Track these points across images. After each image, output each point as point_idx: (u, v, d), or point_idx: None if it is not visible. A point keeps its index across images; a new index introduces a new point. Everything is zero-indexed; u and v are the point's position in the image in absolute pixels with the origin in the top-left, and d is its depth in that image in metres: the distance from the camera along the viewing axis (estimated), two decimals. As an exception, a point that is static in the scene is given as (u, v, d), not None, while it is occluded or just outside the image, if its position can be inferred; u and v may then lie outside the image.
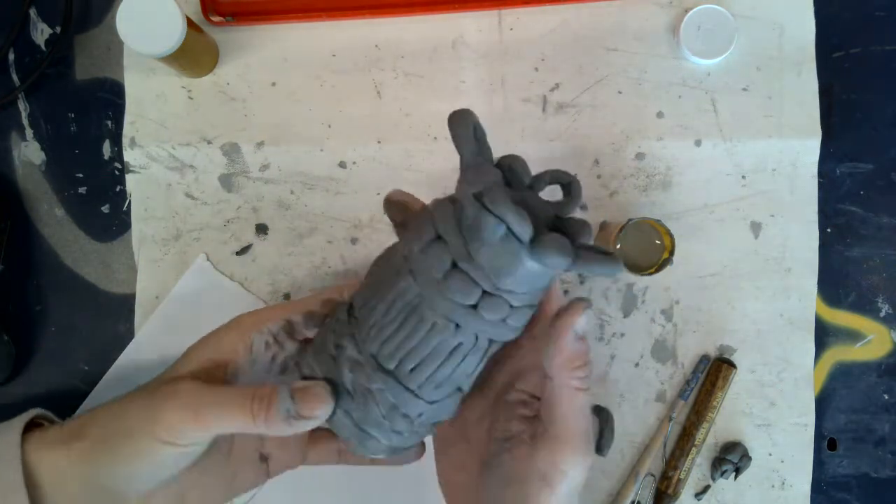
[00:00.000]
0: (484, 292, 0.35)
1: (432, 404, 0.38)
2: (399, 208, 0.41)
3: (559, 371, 0.38)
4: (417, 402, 0.37)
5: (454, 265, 0.35)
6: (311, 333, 0.43)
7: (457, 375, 0.37)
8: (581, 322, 0.38)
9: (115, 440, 0.40)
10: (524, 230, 0.34)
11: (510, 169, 0.38)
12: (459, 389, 0.39)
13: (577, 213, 0.54)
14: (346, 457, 0.48)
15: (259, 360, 0.43)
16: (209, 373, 0.41)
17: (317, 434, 0.48)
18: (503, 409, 0.41)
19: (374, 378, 0.37)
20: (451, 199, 0.37)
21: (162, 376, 0.43)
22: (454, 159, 0.54)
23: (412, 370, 0.37)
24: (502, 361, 0.43)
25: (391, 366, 0.37)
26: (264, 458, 0.47)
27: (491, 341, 0.37)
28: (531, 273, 0.35)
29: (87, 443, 0.41)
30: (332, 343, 0.39)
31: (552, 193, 0.39)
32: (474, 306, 0.35)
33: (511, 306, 0.36)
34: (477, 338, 0.36)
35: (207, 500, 0.44)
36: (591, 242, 0.37)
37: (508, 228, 0.34)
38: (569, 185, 0.39)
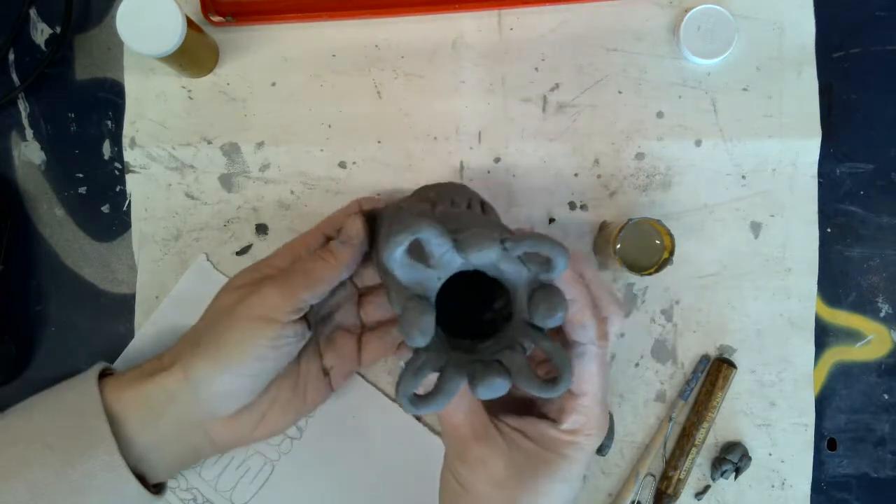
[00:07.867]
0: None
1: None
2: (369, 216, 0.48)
3: (590, 341, 0.40)
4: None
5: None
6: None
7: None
8: (616, 325, 0.42)
9: (216, 344, 0.44)
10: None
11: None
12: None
13: (577, 213, 0.55)
14: (398, 351, 0.49)
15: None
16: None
17: (367, 337, 0.51)
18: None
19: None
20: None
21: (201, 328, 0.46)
22: (454, 159, 0.54)
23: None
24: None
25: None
26: (326, 372, 0.50)
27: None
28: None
29: (177, 368, 0.44)
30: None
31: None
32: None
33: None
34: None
35: (283, 420, 0.48)
36: (559, 320, 0.36)
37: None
38: (548, 261, 0.36)
